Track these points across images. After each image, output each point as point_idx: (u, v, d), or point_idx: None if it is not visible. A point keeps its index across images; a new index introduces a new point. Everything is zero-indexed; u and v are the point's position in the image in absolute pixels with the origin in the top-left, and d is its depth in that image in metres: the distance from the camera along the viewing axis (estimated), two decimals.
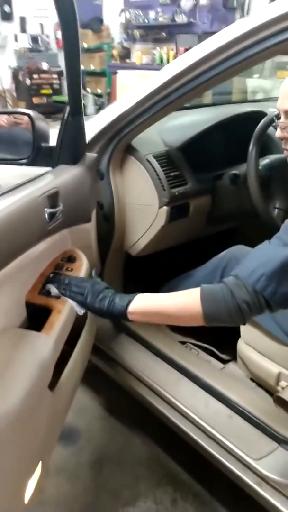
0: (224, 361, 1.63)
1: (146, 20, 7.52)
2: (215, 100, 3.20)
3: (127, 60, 7.91)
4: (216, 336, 1.71)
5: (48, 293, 1.14)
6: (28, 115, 1.29)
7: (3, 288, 0.99)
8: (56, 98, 7.97)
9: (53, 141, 1.32)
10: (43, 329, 1.05)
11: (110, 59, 8.06)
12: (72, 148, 1.33)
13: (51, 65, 8.07)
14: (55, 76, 8.15)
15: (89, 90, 8.32)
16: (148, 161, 1.50)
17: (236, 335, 1.50)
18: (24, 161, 1.31)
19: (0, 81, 8.24)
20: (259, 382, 1.47)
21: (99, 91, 8.18)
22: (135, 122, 1.40)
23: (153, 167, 1.50)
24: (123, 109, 1.39)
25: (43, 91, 8.02)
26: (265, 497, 1.21)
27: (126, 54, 7.92)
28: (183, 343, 1.69)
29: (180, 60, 1.27)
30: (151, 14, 7.39)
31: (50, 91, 8.07)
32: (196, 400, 1.41)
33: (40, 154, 1.29)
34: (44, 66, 8.00)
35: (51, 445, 1.25)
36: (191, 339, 1.71)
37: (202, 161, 1.62)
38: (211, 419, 1.35)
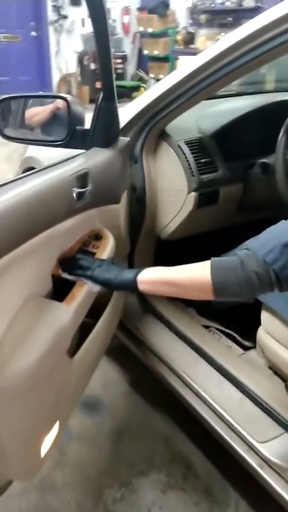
0: (245, 348, 1.66)
1: (212, 5, 7.43)
2: (277, 87, 3.12)
3: (191, 46, 7.83)
4: (241, 323, 1.74)
5: (63, 280, 1.18)
6: (65, 98, 1.35)
7: (31, 259, 1.06)
8: (118, 83, 8.04)
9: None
10: (65, 300, 1.11)
11: (174, 44, 8.02)
12: (105, 132, 1.38)
13: (116, 50, 8.13)
14: (119, 60, 8.23)
15: (151, 75, 8.35)
16: (179, 147, 1.53)
17: (260, 323, 1.52)
18: (60, 143, 1.39)
19: (66, 65, 8.45)
20: (275, 370, 1.49)
21: (161, 76, 8.18)
22: (168, 108, 1.43)
23: (183, 153, 1.52)
24: (156, 95, 1.42)
25: None
26: (266, 479, 1.24)
27: (189, 39, 7.84)
28: (207, 327, 1.73)
29: (215, 46, 1.25)
30: None
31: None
32: (210, 382, 1.45)
33: (74, 137, 1.35)
34: None
35: (70, 407, 1.33)
36: (215, 324, 1.75)
37: (235, 149, 1.62)
38: (222, 400, 1.39)
